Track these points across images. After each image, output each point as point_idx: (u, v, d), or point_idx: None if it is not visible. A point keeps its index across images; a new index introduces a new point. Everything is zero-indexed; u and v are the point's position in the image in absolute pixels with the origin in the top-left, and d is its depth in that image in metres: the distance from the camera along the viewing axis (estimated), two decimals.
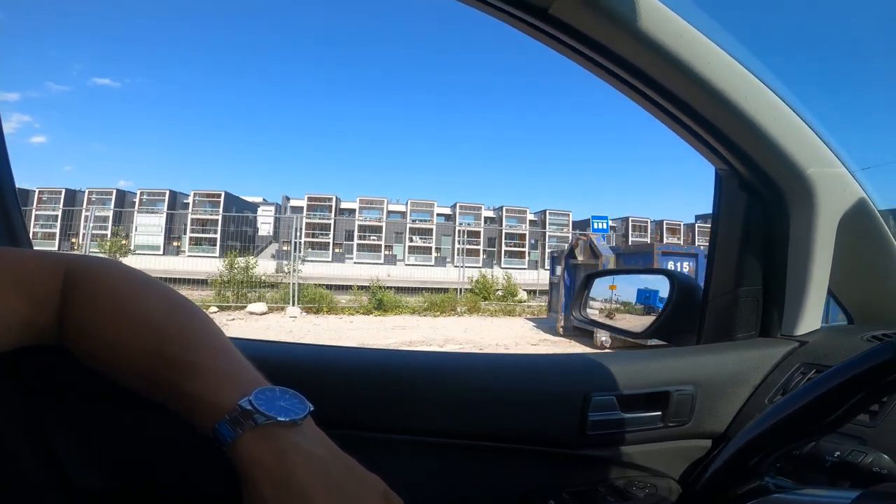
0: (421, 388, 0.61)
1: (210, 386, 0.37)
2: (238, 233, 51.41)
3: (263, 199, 54.93)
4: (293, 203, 51.52)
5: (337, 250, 48.77)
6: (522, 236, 49.81)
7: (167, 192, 46.34)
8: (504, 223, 50.28)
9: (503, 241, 49.56)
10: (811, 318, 0.73)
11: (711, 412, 0.67)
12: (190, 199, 48.55)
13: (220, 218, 43.62)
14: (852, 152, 0.70)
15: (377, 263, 44.93)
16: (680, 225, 56.07)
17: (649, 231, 55.23)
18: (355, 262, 44.51)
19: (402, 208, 50.62)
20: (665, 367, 0.68)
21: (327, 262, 44.78)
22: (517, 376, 0.65)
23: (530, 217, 51.58)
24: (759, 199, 0.75)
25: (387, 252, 50.06)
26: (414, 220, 49.90)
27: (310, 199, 49.67)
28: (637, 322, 0.88)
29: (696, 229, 55.53)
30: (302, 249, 49.49)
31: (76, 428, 0.58)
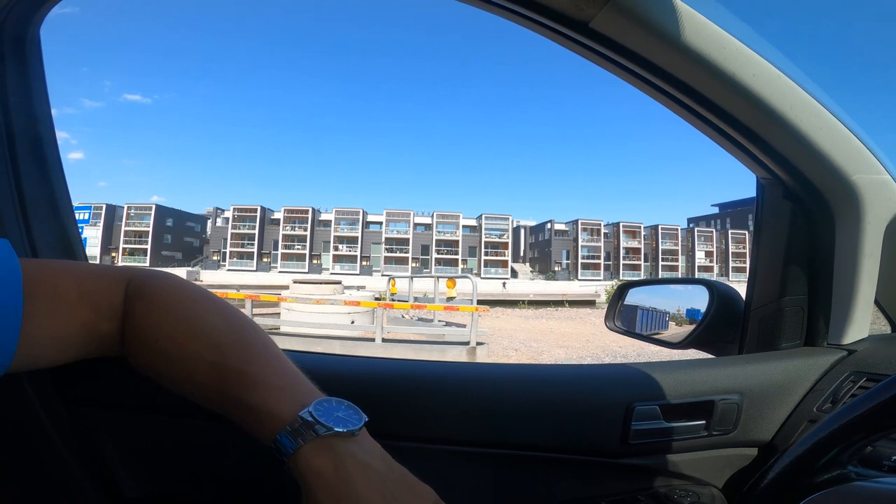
0: (463, 398, 0.62)
1: (271, 397, 0.38)
2: (181, 244, 52.02)
3: (216, 210, 54.21)
4: (227, 214, 52.54)
5: (266, 260, 49.30)
6: (454, 242, 52.10)
7: (104, 207, 49.84)
8: (435, 229, 52.85)
9: (434, 248, 52.12)
10: (859, 326, 0.72)
11: (757, 421, 0.67)
12: (124, 212, 49.40)
13: (150, 230, 47.51)
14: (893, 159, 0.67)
15: (301, 272, 44.47)
16: (678, 230, 55.71)
17: (641, 236, 54.76)
18: (280, 272, 45.04)
19: (329, 217, 51.74)
20: (709, 377, 0.67)
21: (251, 270, 44.56)
22: (559, 386, 0.65)
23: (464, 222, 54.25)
24: (803, 207, 0.74)
25: (315, 261, 49.85)
26: (343, 229, 50.90)
27: (238, 209, 51.34)
28: (674, 332, 0.86)
29: (695, 233, 55.15)
30: (227, 259, 49.06)
31: (126, 438, 0.60)
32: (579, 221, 53.56)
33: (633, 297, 0.96)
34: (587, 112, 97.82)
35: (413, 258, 50.69)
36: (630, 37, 0.57)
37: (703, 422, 0.65)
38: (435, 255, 50.77)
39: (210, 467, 0.61)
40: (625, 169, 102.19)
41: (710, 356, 0.79)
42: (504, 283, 44.68)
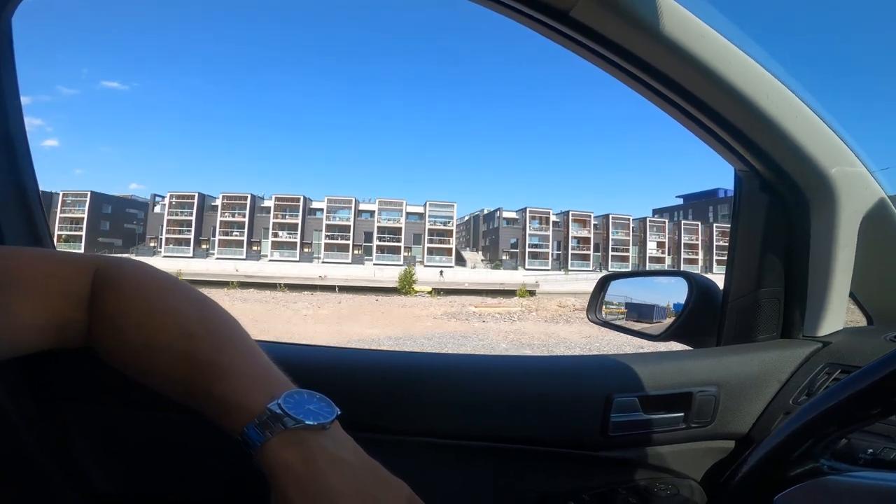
0: (442, 390, 0.62)
1: (239, 388, 0.37)
2: (122, 230, 51.62)
3: (153, 196, 53.59)
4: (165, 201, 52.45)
5: (204, 247, 48.75)
6: (398, 230, 51.75)
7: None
8: (378, 216, 52.42)
9: (376, 235, 51.77)
10: (834, 319, 0.73)
11: (734, 413, 0.67)
12: (59, 199, 49.04)
13: (85, 217, 47.93)
14: (871, 152, 0.70)
15: (239, 259, 44.21)
16: (629, 219, 55.30)
17: (591, 225, 54.30)
18: (217, 258, 44.78)
19: (269, 204, 51.22)
20: (687, 369, 0.68)
21: (188, 257, 43.99)
22: (538, 378, 0.65)
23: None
24: (780, 199, 0.75)
25: (255, 248, 49.56)
26: (285, 216, 50.25)
27: (176, 196, 51.16)
28: (655, 324, 0.87)
29: (647, 223, 54.69)
30: (163, 245, 48.39)
31: (97, 432, 0.59)
32: (527, 210, 52.90)
33: (615, 290, 0.97)
34: (554, 102, 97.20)
35: (355, 245, 49.91)
36: (611, 27, 0.57)
37: (682, 414, 0.65)
38: (377, 243, 50.00)
39: (184, 462, 0.59)
40: (595, 161, 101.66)
41: (689, 348, 0.80)
42: (441, 272, 43.96)
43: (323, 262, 47.91)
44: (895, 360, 0.34)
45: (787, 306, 0.76)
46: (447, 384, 0.62)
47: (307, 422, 0.35)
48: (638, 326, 0.90)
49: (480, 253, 57.83)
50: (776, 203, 0.75)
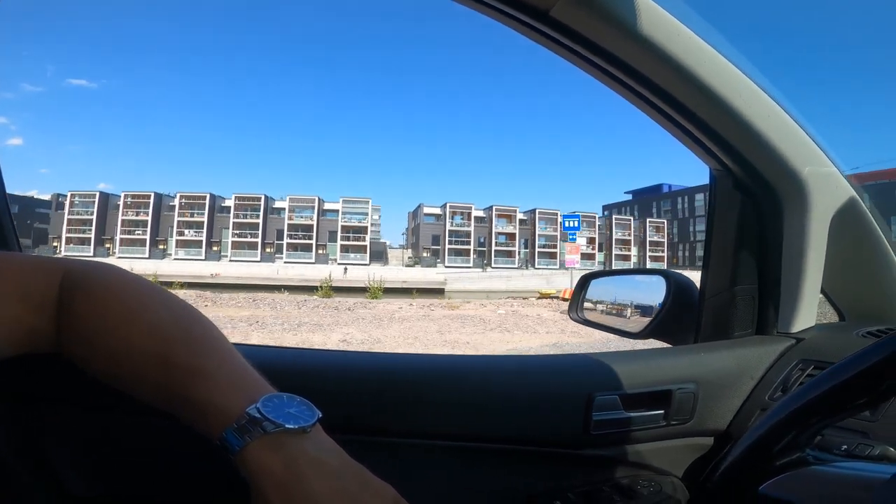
0: (425, 391, 0.62)
1: (217, 393, 0.37)
2: (29, 230, 49.65)
3: (56, 196, 51.73)
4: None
5: (107, 245, 47.36)
6: (309, 227, 49.83)
7: None
8: (288, 214, 50.57)
9: (287, 232, 49.83)
10: (806, 315, 0.75)
11: (713, 410, 0.68)
12: None
13: None
14: (842, 153, 0.73)
15: (143, 258, 43.00)
16: (557, 214, 54.04)
17: (517, 220, 52.98)
18: (119, 257, 43.18)
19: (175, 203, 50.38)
20: (666, 366, 0.69)
21: (89, 256, 42.49)
22: (520, 378, 0.65)
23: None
24: (753, 198, 0.77)
25: (162, 247, 48.05)
26: (192, 214, 49.54)
27: (78, 195, 49.75)
28: (635, 322, 0.89)
29: (614, 220, 53.65)
30: (63, 245, 46.48)
31: (70, 436, 0.58)
32: (448, 205, 51.48)
33: (595, 289, 0.98)
34: (500, 97, 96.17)
35: (266, 243, 48.27)
36: (588, 26, 0.58)
37: (662, 411, 0.66)
38: (289, 241, 48.36)
39: (162, 465, 0.58)
40: (553, 158, 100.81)
41: (668, 345, 0.81)
42: (346, 269, 42.54)
43: (230, 261, 46.20)
44: (882, 348, 0.35)
45: (761, 303, 0.78)
46: (431, 385, 0.62)
47: (287, 425, 0.34)
48: (618, 325, 0.91)
49: (410, 250, 56.44)
50: (749, 201, 0.76)
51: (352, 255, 48.63)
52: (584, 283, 0.99)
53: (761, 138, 0.67)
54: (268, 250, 48.12)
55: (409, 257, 54.36)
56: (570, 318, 0.99)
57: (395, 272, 46.79)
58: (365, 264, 47.52)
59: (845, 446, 0.49)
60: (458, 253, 50.47)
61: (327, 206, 50.68)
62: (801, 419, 0.38)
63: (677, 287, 0.82)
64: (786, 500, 0.37)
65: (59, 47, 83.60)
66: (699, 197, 55.03)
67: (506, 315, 11.25)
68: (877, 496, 0.32)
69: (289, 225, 48.74)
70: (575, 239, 21.01)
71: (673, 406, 0.66)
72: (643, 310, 0.89)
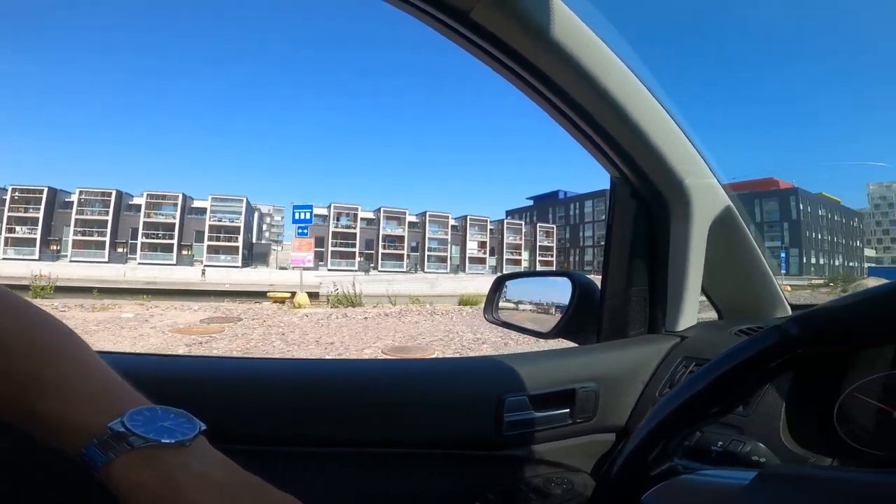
0: (332, 397, 0.60)
1: (71, 407, 0.33)
2: None
3: None
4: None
5: (53, 248, 40.18)
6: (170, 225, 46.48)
7: None
8: (144, 212, 46.36)
9: (142, 231, 46.02)
10: (689, 314, 0.82)
11: (613, 407, 0.72)
12: None
13: None
14: (721, 164, 0.80)
15: (32, 259, 36.87)
16: (448, 217, 52.95)
17: (406, 223, 51.35)
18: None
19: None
20: (570, 366, 0.72)
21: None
22: (430, 381, 0.66)
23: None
24: (646, 205, 0.82)
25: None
26: (27, 210, 44.86)
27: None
28: (546, 322, 0.93)
29: (468, 221, 52.99)
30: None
31: None
32: (332, 205, 49.44)
33: (510, 290, 1.01)
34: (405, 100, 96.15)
35: (120, 242, 43.25)
36: (507, 31, 0.58)
37: (567, 410, 0.68)
38: (146, 240, 43.69)
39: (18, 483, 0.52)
40: (464, 161, 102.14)
41: (574, 345, 0.85)
42: (203, 271, 38.74)
43: (71, 261, 40.75)
44: (723, 364, 0.37)
45: (651, 304, 0.83)
46: (338, 391, 0.61)
47: (162, 440, 0.32)
48: (530, 325, 0.93)
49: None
50: (643, 208, 0.82)
51: (222, 257, 44.82)
52: (499, 284, 1.01)
53: (653, 149, 0.71)
54: (119, 250, 43.04)
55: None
56: (486, 318, 1.00)
57: (266, 274, 43.76)
58: (237, 266, 43.99)
59: (721, 442, 0.53)
60: (343, 256, 48.38)
61: (196, 203, 46.47)
62: (666, 429, 0.40)
63: (581, 289, 0.85)
64: None
65: None
66: (588, 203, 57.57)
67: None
68: None
69: (146, 223, 43.98)
70: (307, 233, 19.08)
71: (577, 404, 0.68)
72: (553, 310, 0.91)
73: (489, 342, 6.89)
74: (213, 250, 45.18)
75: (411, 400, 0.62)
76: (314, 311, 10.77)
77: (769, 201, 50.80)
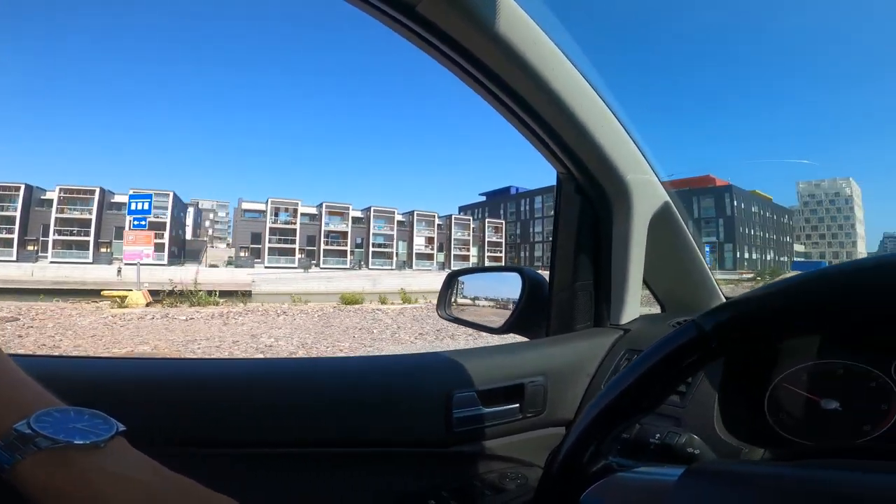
0: (274, 397, 0.58)
1: None
2: None
3: None
4: None
5: None
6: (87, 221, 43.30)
7: None
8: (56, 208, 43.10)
9: (53, 228, 42.48)
10: (632, 307, 0.83)
11: (561, 400, 0.72)
12: None
13: None
14: (661, 162, 0.82)
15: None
16: (394, 212, 51.51)
17: (350, 218, 49.57)
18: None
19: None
20: (519, 361, 0.72)
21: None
22: (378, 378, 0.65)
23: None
24: (590, 200, 0.84)
25: (32, 247, 37.63)
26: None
27: None
28: (498, 318, 0.93)
29: (414, 217, 51.81)
30: None
31: None
32: (270, 200, 47.47)
33: (462, 286, 1.01)
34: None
35: (30, 240, 39.90)
36: (454, 25, 0.58)
37: (517, 405, 0.68)
38: (59, 237, 40.49)
39: None
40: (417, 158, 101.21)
41: (525, 339, 0.85)
42: (119, 270, 36.15)
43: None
44: (645, 361, 0.38)
45: (597, 297, 0.85)
46: (279, 390, 0.59)
47: (74, 441, 0.31)
48: (482, 320, 0.94)
49: (233, 249, 50.99)
50: (587, 204, 0.83)
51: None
52: (451, 280, 1.00)
53: (596, 146, 0.72)
54: (29, 248, 39.68)
55: (229, 257, 49.07)
56: (439, 315, 1.00)
57: (193, 272, 41.47)
58: (162, 264, 41.45)
59: (658, 435, 0.54)
60: (282, 252, 46.52)
61: (118, 198, 43.40)
62: (596, 430, 0.40)
63: (531, 283, 0.86)
64: None
65: None
66: (538, 199, 57.81)
67: None
68: (669, 501, 0.34)
69: (59, 219, 40.72)
70: (144, 225, 17.83)
71: (526, 399, 0.68)
72: (502, 304, 0.92)
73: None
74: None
75: (357, 398, 0.61)
76: (134, 311, 9.74)
77: (706, 198, 52.62)
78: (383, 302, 13.10)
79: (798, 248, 67.84)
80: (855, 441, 0.48)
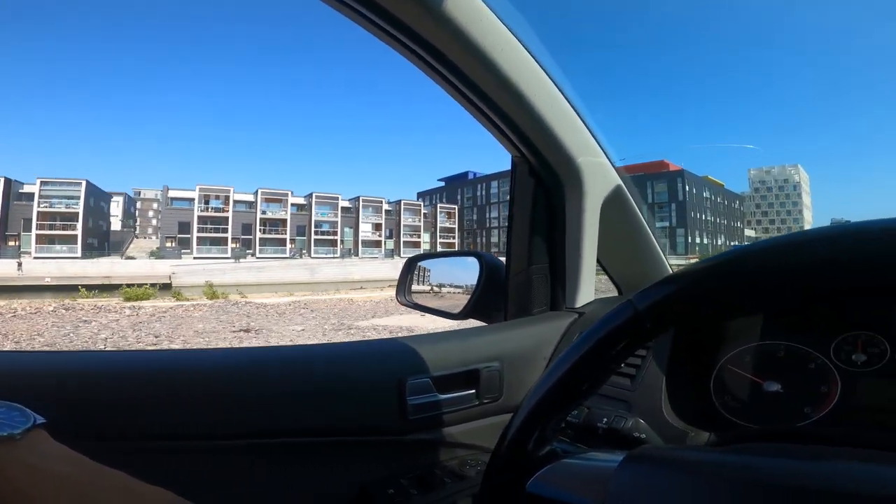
0: (218, 389, 0.56)
1: None
2: None
3: None
4: None
5: None
6: None
7: None
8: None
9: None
10: (586, 290, 0.83)
11: (518, 386, 0.72)
12: None
13: None
14: (614, 146, 0.83)
15: None
16: (337, 198, 48.85)
17: (289, 206, 46.82)
18: None
19: None
20: (474, 346, 0.71)
21: None
22: (329, 366, 0.63)
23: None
24: (543, 184, 0.84)
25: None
26: None
27: None
28: (457, 303, 0.92)
29: (360, 203, 49.49)
30: None
31: None
32: (199, 187, 44.59)
33: (421, 271, 1.00)
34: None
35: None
36: (402, 7, 0.56)
37: (473, 391, 0.68)
38: None
39: None
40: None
41: (482, 324, 0.85)
42: (20, 265, 33.10)
43: None
44: (584, 343, 0.37)
45: (553, 281, 0.85)
46: (224, 382, 0.57)
47: None
48: (442, 306, 0.93)
49: (166, 241, 48.06)
50: (541, 187, 0.83)
51: (58, 248, 39.02)
52: (410, 265, 0.99)
53: (548, 129, 0.72)
54: None
55: (157, 248, 46.17)
56: (398, 301, 0.98)
57: (107, 266, 38.50)
58: (76, 257, 38.43)
59: (606, 419, 0.54)
60: (213, 242, 43.96)
61: (26, 188, 39.90)
62: (539, 416, 0.39)
63: (489, 268, 0.85)
64: (547, 498, 0.38)
65: None
66: (494, 184, 56.29)
67: None
68: (610, 486, 0.34)
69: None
70: None
71: (482, 385, 0.68)
72: (464, 290, 0.90)
73: None
74: (45, 240, 39.22)
75: (308, 387, 0.59)
76: None
77: (659, 183, 52.37)
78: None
79: (749, 233, 69.09)
80: (797, 424, 0.48)
